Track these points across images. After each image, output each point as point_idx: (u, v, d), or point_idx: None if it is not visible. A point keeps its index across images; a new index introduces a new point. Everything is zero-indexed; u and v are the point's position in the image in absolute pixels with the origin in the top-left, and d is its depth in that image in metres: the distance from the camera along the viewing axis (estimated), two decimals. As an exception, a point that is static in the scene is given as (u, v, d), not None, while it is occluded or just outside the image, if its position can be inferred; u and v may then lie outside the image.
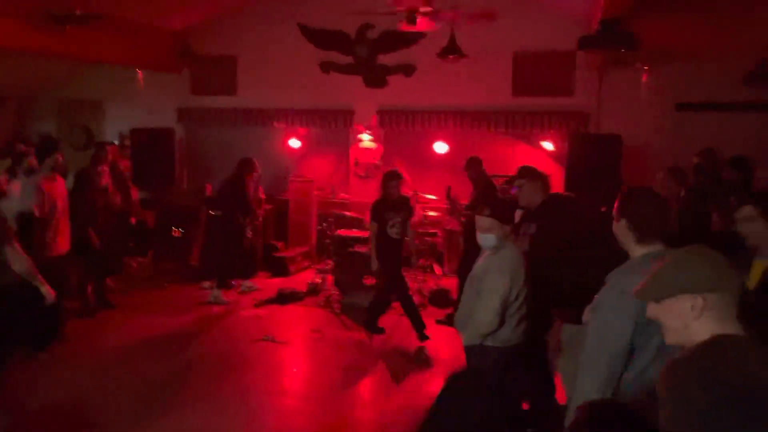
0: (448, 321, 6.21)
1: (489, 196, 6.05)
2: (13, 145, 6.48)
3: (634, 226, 2.29)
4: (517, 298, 3.41)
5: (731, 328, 1.61)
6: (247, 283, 7.74)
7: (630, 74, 7.92)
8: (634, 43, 4.52)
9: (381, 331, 6.17)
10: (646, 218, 2.29)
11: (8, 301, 4.32)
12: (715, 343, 1.58)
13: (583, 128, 8.02)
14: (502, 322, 3.39)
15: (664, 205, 2.43)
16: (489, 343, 3.46)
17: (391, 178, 6.05)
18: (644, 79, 7.92)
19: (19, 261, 4.20)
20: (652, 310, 1.72)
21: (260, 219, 8.33)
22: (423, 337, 5.98)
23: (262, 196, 8.52)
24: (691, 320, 1.62)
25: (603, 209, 4.62)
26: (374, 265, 6.09)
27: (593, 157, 6.69)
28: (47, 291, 4.36)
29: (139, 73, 9.83)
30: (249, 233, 7.57)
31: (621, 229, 2.34)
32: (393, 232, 5.98)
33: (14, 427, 4.29)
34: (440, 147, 8.70)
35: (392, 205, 6.01)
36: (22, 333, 4.62)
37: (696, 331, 1.62)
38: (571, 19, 7.68)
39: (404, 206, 6.12)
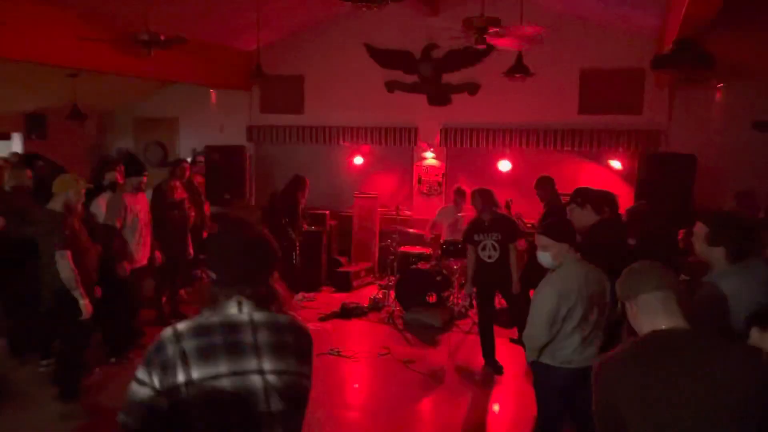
0: (521, 341, 6.12)
1: (552, 214, 5.89)
2: (104, 161, 6.83)
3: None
4: (570, 317, 3.30)
5: (668, 321, 1.95)
6: (299, 296, 7.94)
7: (703, 92, 7.70)
8: (712, 63, 4.41)
9: (499, 370, 5.73)
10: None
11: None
12: (640, 342, 1.97)
13: (653, 147, 7.84)
14: (552, 340, 3.36)
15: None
16: (548, 361, 3.42)
17: (477, 196, 5.82)
18: (718, 96, 7.69)
19: (64, 269, 4.52)
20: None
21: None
22: (494, 368, 5.74)
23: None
24: (633, 319, 2.06)
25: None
26: (468, 288, 6.07)
27: (665, 177, 6.52)
28: (85, 305, 4.63)
29: (212, 92, 10.25)
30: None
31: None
32: (485, 255, 5.70)
33: (92, 427, 4.53)
34: (504, 165, 8.67)
35: (483, 225, 5.74)
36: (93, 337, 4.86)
37: (640, 327, 2.02)
38: (640, 37, 7.56)
39: (499, 226, 5.73)
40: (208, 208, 8.38)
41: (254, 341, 1.79)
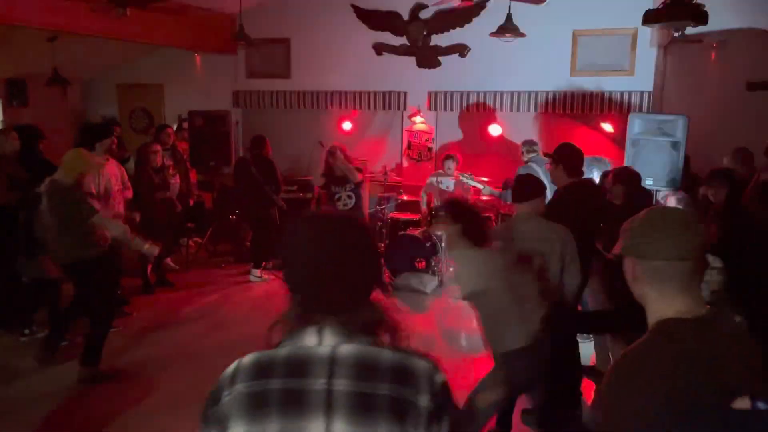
0: None
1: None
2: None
3: None
4: None
5: (679, 306, 1.47)
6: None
7: (697, 52, 7.54)
8: (705, 17, 4.27)
9: None
10: None
11: (99, 271, 4.65)
12: (652, 342, 1.46)
13: (645, 109, 7.71)
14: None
15: None
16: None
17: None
18: (712, 56, 7.53)
19: (114, 228, 4.68)
20: None
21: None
22: None
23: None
24: (631, 283, 1.56)
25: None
26: None
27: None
28: (150, 248, 4.79)
29: (196, 57, 10.01)
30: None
31: None
32: (340, 204, 6.52)
33: (79, 397, 4.49)
34: (495, 129, 8.53)
35: (337, 178, 6.61)
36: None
37: (642, 299, 1.55)
38: (634, -5, 7.36)
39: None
40: (194, 176, 8.26)
41: (327, 389, 1.23)
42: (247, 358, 1.33)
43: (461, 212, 3.28)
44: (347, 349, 1.27)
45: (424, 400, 1.24)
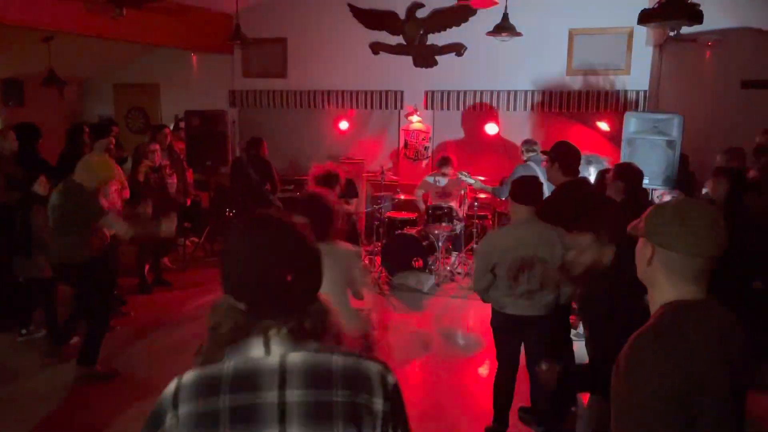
0: None
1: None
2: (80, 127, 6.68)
3: None
4: (499, 271, 3.64)
5: (688, 292, 1.55)
6: None
7: (692, 51, 7.58)
8: (700, 16, 4.29)
9: None
10: None
11: (95, 272, 4.66)
12: (658, 324, 1.54)
13: (641, 108, 7.74)
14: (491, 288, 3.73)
15: None
16: (493, 305, 3.83)
17: None
18: (707, 55, 7.56)
19: (119, 227, 4.71)
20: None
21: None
22: None
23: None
24: (645, 267, 1.61)
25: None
26: None
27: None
28: (168, 226, 4.83)
29: (193, 56, 10.01)
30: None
31: None
32: None
33: (79, 395, 4.50)
34: (491, 128, 8.55)
35: None
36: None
37: (651, 282, 1.61)
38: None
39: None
40: (191, 176, 8.25)
41: (279, 401, 1.19)
42: (188, 376, 1.25)
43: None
44: (296, 357, 1.22)
45: (378, 403, 1.23)
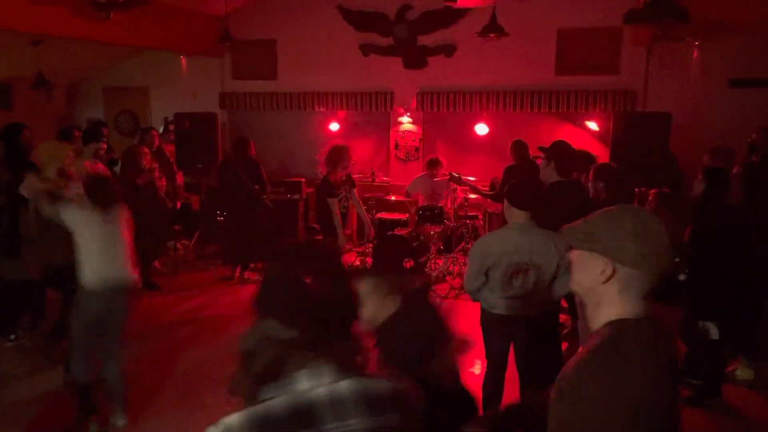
0: None
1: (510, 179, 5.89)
2: (70, 131, 6.66)
3: None
4: (492, 273, 3.60)
5: (636, 308, 1.48)
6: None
7: (680, 50, 7.62)
8: (685, 16, 4.31)
9: None
10: None
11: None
12: (609, 343, 1.44)
13: (629, 107, 7.78)
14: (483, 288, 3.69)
15: None
16: (483, 305, 3.79)
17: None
18: (695, 54, 7.61)
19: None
20: (571, 253, 1.58)
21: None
22: None
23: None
24: (597, 284, 1.49)
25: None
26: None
27: (639, 136, 6.46)
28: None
29: (182, 59, 9.98)
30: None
31: None
32: (341, 206, 6.73)
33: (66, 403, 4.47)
34: (481, 128, 8.57)
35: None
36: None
37: (600, 298, 1.50)
38: (617, -6, 7.42)
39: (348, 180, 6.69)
40: (181, 179, 8.23)
41: None
42: (234, 420, 1.18)
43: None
44: (344, 386, 1.20)
45: (417, 423, 1.29)
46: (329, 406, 1.17)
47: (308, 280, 1.22)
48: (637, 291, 1.48)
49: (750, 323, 4.47)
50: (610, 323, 1.48)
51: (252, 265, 7.57)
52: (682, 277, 4.19)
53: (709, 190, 4.25)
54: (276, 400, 1.17)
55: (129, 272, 4.08)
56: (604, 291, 1.49)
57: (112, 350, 4.07)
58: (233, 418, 1.18)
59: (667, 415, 1.43)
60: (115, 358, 4.08)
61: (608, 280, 1.48)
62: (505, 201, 3.65)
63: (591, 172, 4.40)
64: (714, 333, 4.22)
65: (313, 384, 1.19)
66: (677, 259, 4.42)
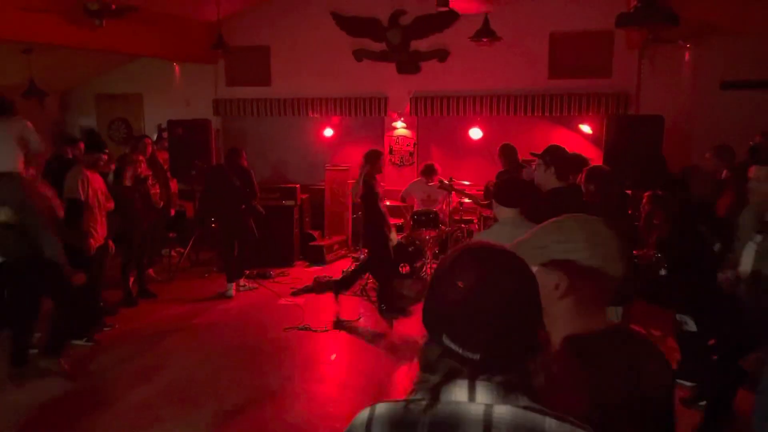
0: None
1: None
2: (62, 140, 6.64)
3: None
4: None
5: (592, 321, 1.39)
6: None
7: (671, 53, 7.67)
8: (676, 19, 4.33)
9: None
10: None
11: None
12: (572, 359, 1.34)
13: (622, 110, 7.82)
14: None
15: None
16: None
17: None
18: (687, 57, 7.65)
19: (53, 246, 4.61)
20: None
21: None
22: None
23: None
24: (553, 299, 1.37)
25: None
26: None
27: (632, 139, 6.49)
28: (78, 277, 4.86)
29: (176, 66, 9.97)
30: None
31: None
32: None
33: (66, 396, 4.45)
34: (475, 133, 8.59)
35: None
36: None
37: (555, 316, 1.38)
38: (609, -2, 7.47)
39: None
40: (175, 186, 8.20)
41: None
42: (382, 409, 1.15)
43: None
44: (503, 411, 1.07)
45: None
46: (476, 423, 1.07)
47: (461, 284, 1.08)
48: (594, 302, 1.41)
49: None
50: (566, 339, 1.39)
51: (247, 272, 7.55)
52: (662, 272, 4.20)
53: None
54: (424, 402, 1.11)
55: None
56: (558, 307, 1.40)
57: None
58: (381, 407, 1.16)
59: (638, 427, 1.34)
60: None
61: (564, 295, 1.39)
62: (494, 201, 3.65)
63: (583, 175, 4.39)
64: (691, 325, 4.20)
65: (467, 397, 1.09)
66: (659, 255, 4.45)
